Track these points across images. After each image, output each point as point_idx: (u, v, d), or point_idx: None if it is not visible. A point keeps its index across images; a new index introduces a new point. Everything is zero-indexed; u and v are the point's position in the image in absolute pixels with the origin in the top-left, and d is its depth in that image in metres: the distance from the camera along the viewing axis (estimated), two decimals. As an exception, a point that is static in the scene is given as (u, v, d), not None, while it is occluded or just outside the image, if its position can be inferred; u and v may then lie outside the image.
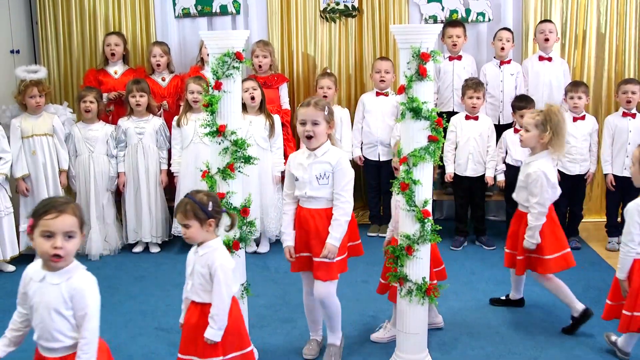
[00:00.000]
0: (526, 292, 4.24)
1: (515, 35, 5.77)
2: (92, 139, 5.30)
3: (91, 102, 5.27)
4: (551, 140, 3.79)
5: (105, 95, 5.58)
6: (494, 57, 5.73)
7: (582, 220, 5.54)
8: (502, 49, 5.61)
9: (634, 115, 5.23)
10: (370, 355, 3.65)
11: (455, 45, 5.62)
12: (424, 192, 3.21)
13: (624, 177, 5.19)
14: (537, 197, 3.80)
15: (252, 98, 5.19)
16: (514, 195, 4.02)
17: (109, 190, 5.37)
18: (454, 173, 5.41)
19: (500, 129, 5.50)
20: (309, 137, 3.33)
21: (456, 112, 5.52)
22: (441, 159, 3.38)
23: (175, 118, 5.38)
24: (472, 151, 5.33)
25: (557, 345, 3.72)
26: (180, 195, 5.38)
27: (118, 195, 5.53)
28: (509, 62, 5.67)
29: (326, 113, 3.33)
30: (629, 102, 5.20)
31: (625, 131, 5.23)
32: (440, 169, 5.60)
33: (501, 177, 5.36)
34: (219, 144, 3.36)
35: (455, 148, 5.39)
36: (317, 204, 3.36)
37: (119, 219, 5.51)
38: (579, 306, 3.86)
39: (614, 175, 5.31)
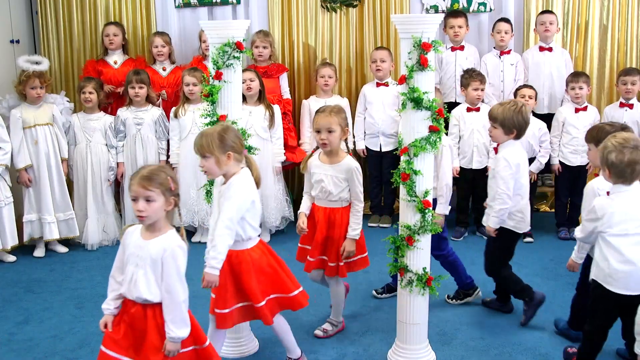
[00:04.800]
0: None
1: (516, 25, 5.75)
2: (90, 129, 5.30)
3: (90, 92, 5.27)
4: None
5: (106, 87, 5.57)
6: (494, 48, 5.71)
7: (583, 211, 5.53)
8: (502, 40, 5.60)
9: (631, 106, 5.22)
10: (370, 346, 3.66)
11: (457, 35, 5.61)
12: (425, 183, 3.20)
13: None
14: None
15: (249, 89, 5.15)
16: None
17: (107, 181, 5.36)
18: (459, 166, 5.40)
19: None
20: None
21: (458, 103, 5.51)
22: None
23: (173, 109, 5.37)
24: (477, 143, 5.32)
25: (557, 336, 3.72)
26: (179, 185, 5.35)
27: (117, 186, 5.53)
28: (508, 52, 5.66)
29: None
30: (627, 92, 5.19)
31: (620, 122, 5.20)
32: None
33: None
34: (220, 134, 3.34)
35: (459, 141, 5.39)
36: None
37: (117, 210, 5.50)
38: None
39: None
